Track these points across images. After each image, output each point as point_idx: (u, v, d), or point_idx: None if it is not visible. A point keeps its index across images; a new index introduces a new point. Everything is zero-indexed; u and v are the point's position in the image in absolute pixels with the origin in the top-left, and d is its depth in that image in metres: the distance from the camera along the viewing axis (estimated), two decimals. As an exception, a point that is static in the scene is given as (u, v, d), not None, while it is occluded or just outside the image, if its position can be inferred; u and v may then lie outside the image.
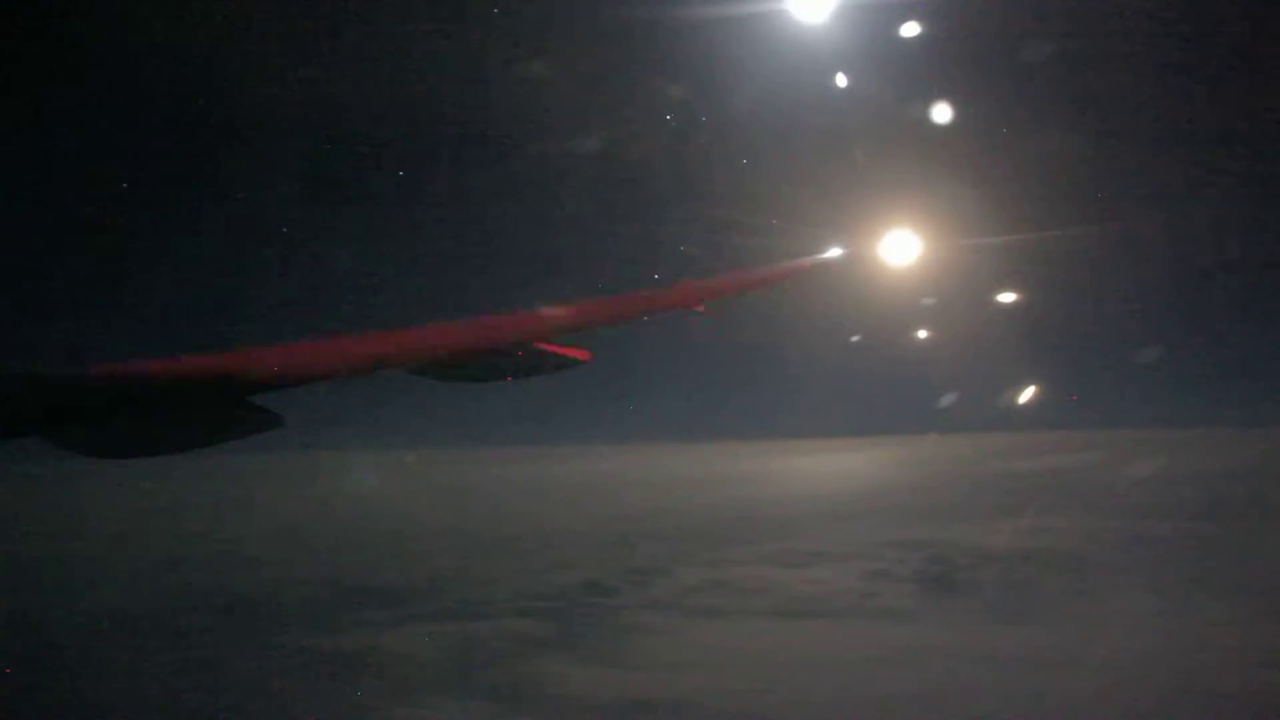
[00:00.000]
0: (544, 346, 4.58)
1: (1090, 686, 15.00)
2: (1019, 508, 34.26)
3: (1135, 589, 21.03)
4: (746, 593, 22.19)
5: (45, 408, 3.27)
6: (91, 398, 3.37)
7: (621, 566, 24.92)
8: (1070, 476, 47.18)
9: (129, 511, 40.31)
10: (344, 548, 28.86)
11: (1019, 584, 22.32)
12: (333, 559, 26.87)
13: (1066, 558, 24.76)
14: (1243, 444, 62.70)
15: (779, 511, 36.33)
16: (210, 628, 19.28)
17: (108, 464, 3.49)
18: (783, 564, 25.33)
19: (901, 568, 24.25)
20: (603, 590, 22.48)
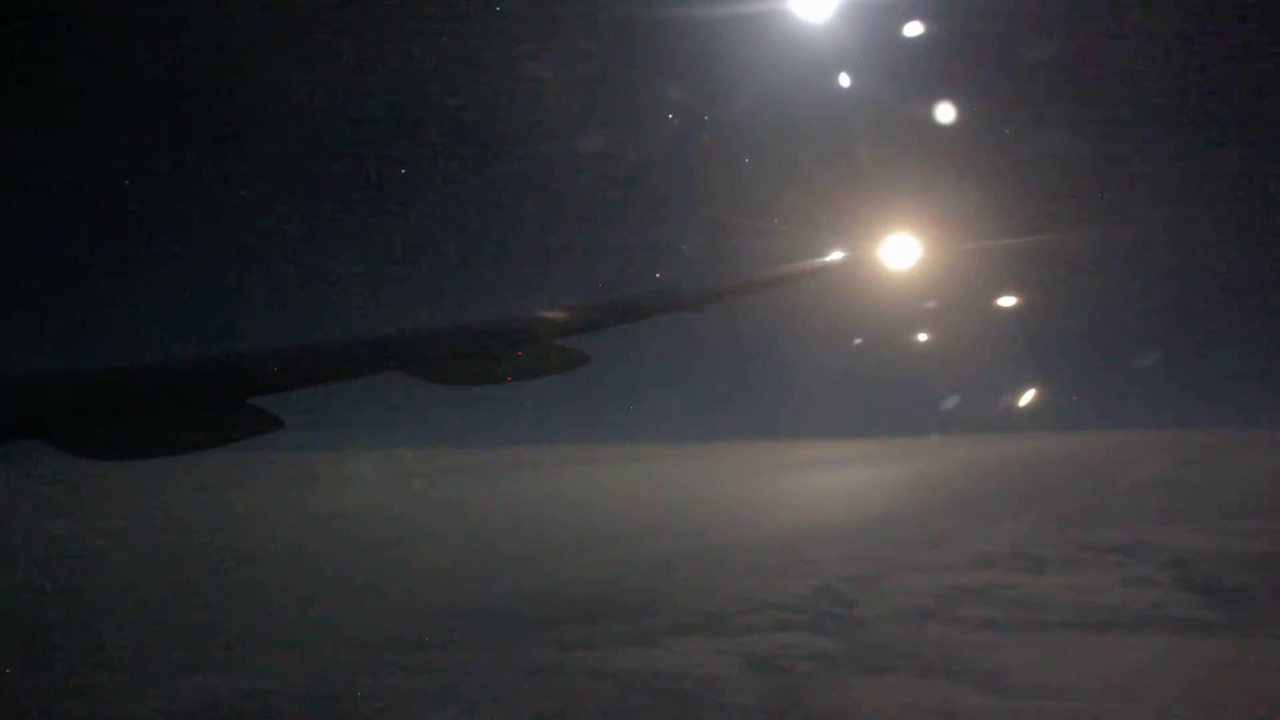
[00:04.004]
0: (545, 348, 4.57)
1: None
2: (1180, 508, 33.50)
3: None
4: (1010, 603, 20.09)
5: (45, 408, 3.26)
6: (91, 398, 3.36)
7: (831, 573, 22.82)
8: (1177, 476, 46.58)
9: (216, 516, 38.40)
10: (494, 559, 26.68)
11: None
12: (490, 571, 24.74)
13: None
14: (1264, 446, 63.31)
15: (913, 513, 34.75)
16: (464, 644, 17.32)
17: (106, 466, 3.46)
18: (1007, 569, 23.44)
19: (1152, 574, 22.47)
20: (843, 599, 20.38)
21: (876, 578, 22.51)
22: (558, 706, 14.11)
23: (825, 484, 50.12)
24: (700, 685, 14.83)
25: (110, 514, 39.23)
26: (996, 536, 28.37)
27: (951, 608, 19.70)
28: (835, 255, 7.15)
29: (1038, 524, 30.89)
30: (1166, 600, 19.96)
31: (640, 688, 14.80)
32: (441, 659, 16.15)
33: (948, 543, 27.50)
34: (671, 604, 19.99)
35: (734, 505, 39.71)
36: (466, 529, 33.50)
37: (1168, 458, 60.15)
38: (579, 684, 14.94)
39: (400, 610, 20.02)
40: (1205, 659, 16.12)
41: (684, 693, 14.55)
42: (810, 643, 17.20)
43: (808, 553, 26.13)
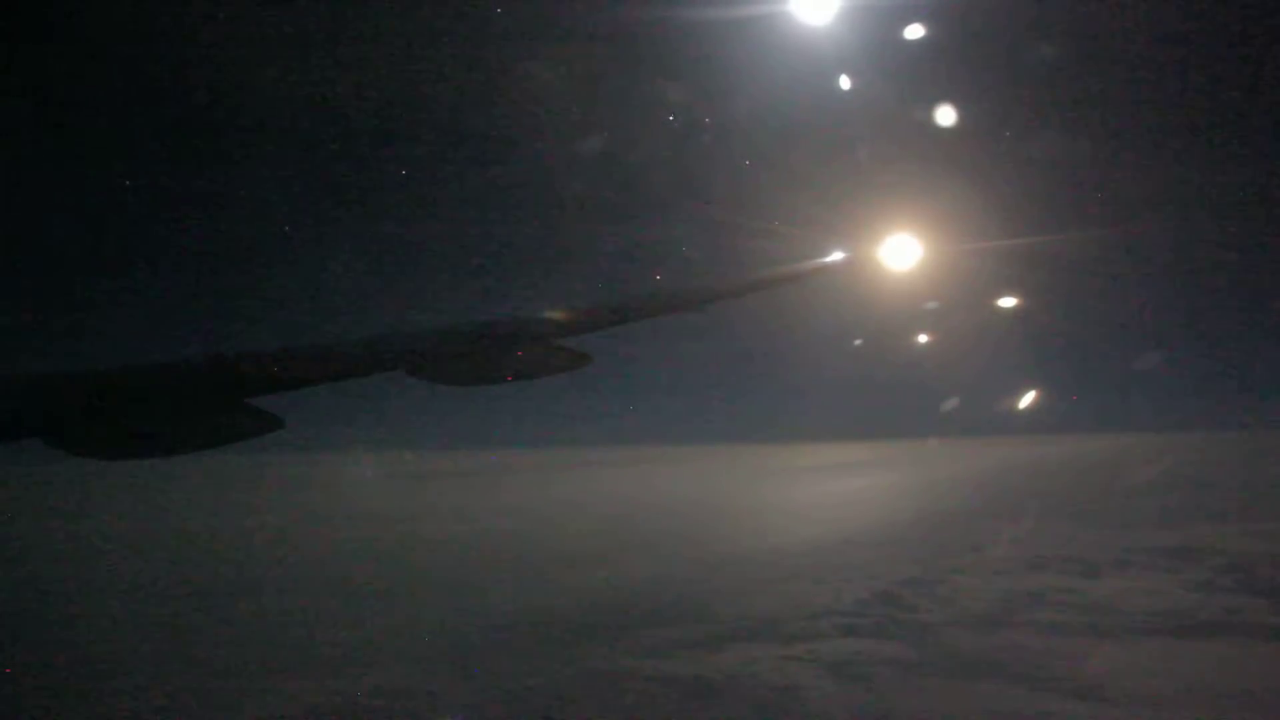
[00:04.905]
0: (545, 348, 4.57)
1: None
2: (1211, 510, 33.29)
3: None
4: (1076, 608, 19.44)
5: (46, 408, 3.27)
6: (91, 398, 3.37)
7: (883, 578, 22.28)
8: (1195, 478, 46.32)
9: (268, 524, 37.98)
10: (526, 565, 25.83)
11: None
12: (526, 577, 23.97)
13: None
14: (1259, 448, 63.28)
15: (942, 516, 34.10)
16: (525, 652, 16.49)
17: (106, 466, 3.45)
18: (1061, 573, 22.86)
19: (1213, 578, 21.92)
20: (904, 604, 19.75)
21: (930, 582, 22.03)
22: (638, 715, 13.59)
23: (843, 489, 49.64)
24: (783, 693, 14.26)
25: (110, 514, 39.29)
26: (1036, 539, 28.06)
27: (1017, 612, 19.20)
28: (835, 256, 7.13)
29: (1074, 526, 30.62)
30: (1237, 605, 19.48)
31: (721, 694, 14.24)
32: (504, 667, 15.57)
33: (989, 546, 27.14)
34: (726, 609, 19.45)
35: (757, 511, 39.17)
36: (489, 534, 32.70)
37: (1176, 460, 60.18)
38: (656, 691, 14.34)
39: (442, 617, 19.43)
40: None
41: (768, 701, 13.98)
42: (883, 649, 16.58)
43: (849, 557, 25.66)
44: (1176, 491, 41.77)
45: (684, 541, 29.64)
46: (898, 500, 42.69)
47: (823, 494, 47.85)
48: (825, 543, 28.52)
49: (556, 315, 4.89)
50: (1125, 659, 15.91)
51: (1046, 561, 24.38)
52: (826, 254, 7.13)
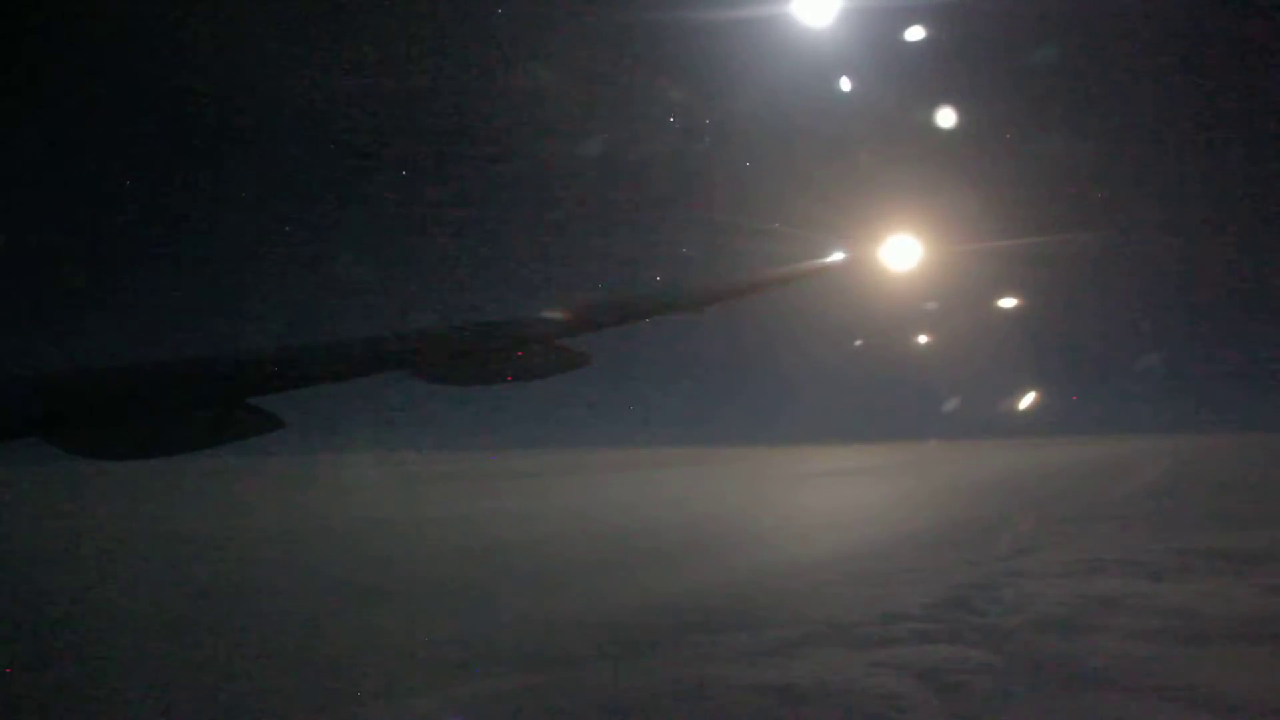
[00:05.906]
0: (545, 348, 4.57)
1: None
2: (1247, 512, 33.28)
3: None
4: (1155, 612, 18.90)
5: (45, 408, 3.26)
6: (91, 398, 3.36)
7: (945, 583, 21.81)
8: (1202, 479, 46.77)
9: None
10: (571, 570, 25.25)
11: None
12: (575, 582, 23.48)
13: None
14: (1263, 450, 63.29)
15: (981, 520, 33.83)
16: (599, 660, 15.96)
17: (106, 466, 3.44)
18: (1125, 576, 22.47)
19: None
20: (971, 608, 19.28)
21: (993, 586, 21.55)
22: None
23: (863, 493, 49.45)
24: (880, 701, 13.70)
25: (110, 514, 39.26)
26: (1082, 541, 27.77)
27: (1095, 617, 18.69)
28: (835, 256, 7.13)
29: (1113, 528, 30.43)
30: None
31: (817, 702, 13.74)
32: (585, 676, 15.12)
33: (1038, 550, 26.81)
34: (787, 616, 18.86)
35: (782, 515, 38.64)
36: (510, 539, 31.87)
37: (1184, 461, 60.06)
38: (749, 701, 13.77)
39: (501, 623, 18.88)
40: None
41: (868, 709, 13.47)
42: (967, 655, 16.00)
43: (898, 562, 25.17)
44: (1199, 494, 41.54)
45: (719, 547, 29.10)
46: (924, 504, 42.13)
47: (843, 498, 47.22)
48: (868, 548, 28.01)
49: (556, 315, 4.89)
50: (1223, 665, 15.35)
51: (1105, 565, 23.94)
52: (826, 254, 7.12)
